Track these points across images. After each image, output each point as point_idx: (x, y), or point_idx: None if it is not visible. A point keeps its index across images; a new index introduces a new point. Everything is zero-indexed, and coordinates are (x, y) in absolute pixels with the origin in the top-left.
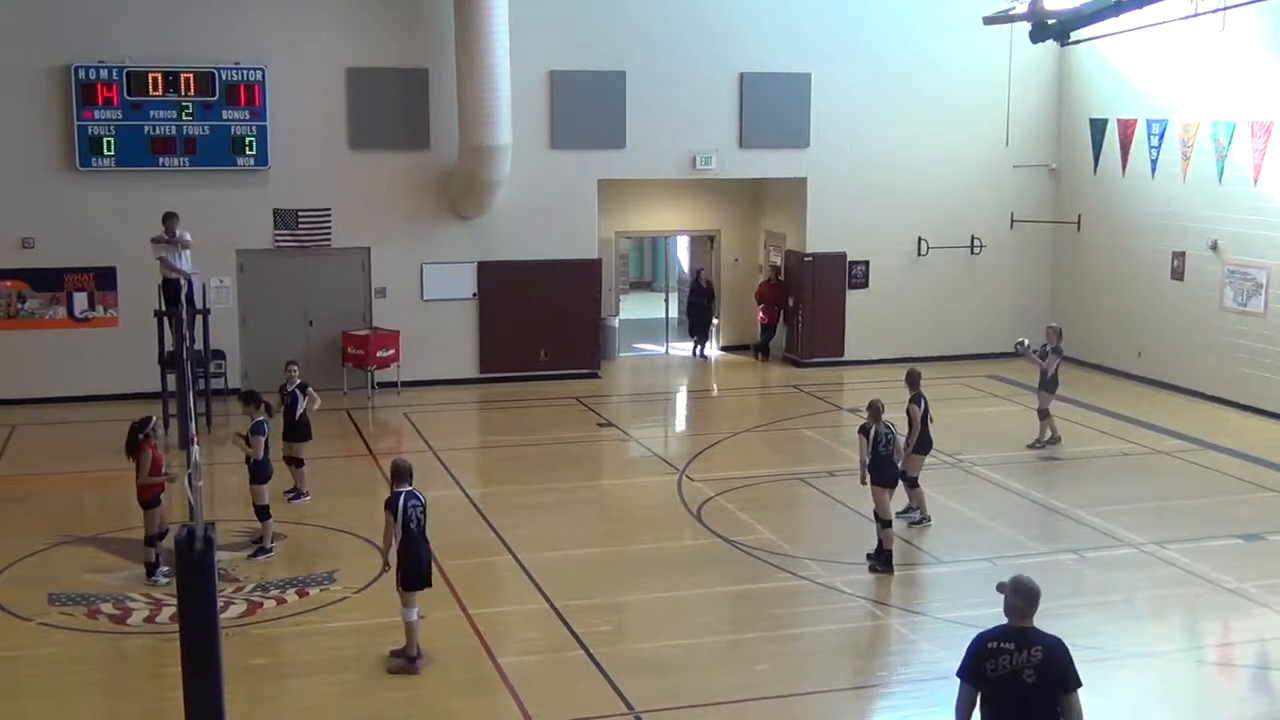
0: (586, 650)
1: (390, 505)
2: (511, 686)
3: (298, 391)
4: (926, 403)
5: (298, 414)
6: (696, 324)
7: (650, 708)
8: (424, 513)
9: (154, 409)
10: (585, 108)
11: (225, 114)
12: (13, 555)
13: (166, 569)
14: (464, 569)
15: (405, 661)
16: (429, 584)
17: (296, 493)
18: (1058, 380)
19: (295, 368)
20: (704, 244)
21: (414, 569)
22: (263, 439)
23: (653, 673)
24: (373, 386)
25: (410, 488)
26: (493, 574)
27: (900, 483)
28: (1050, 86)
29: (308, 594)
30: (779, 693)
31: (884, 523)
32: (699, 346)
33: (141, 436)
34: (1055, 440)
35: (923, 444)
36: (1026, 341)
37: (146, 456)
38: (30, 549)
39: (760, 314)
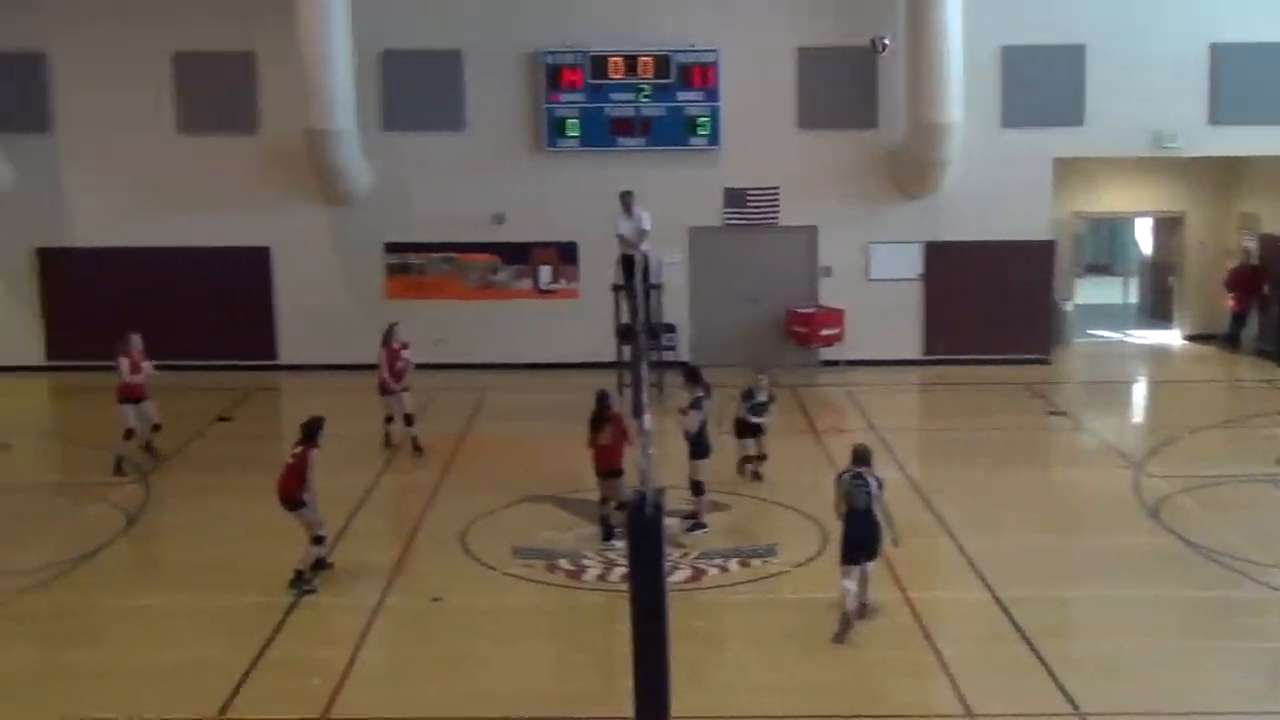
0: (1029, 644)
1: (838, 479)
2: (950, 673)
3: (768, 402)
4: None
5: (763, 421)
6: None
7: (1099, 710)
8: (869, 493)
9: (609, 379)
10: (1040, 83)
11: (680, 95)
12: (482, 510)
13: (619, 531)
14: (904, 551)
15: (842, 625)
16: (864, 559)
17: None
18: None
19: (764, 379)
20: (1167, 227)
21: (845, 541)
22: (700, 415)
23: (1102, 674)
24: (816, 364)
25: (859, 469)
26: (933, 558)
27: None
28: None
29: (749, 565)
30: (1246, 710)
31: None
32: None
33: (607, 406)
34: None
35: None
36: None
37: (607, 431)
38: (497, 505)
39: (1231, 302)
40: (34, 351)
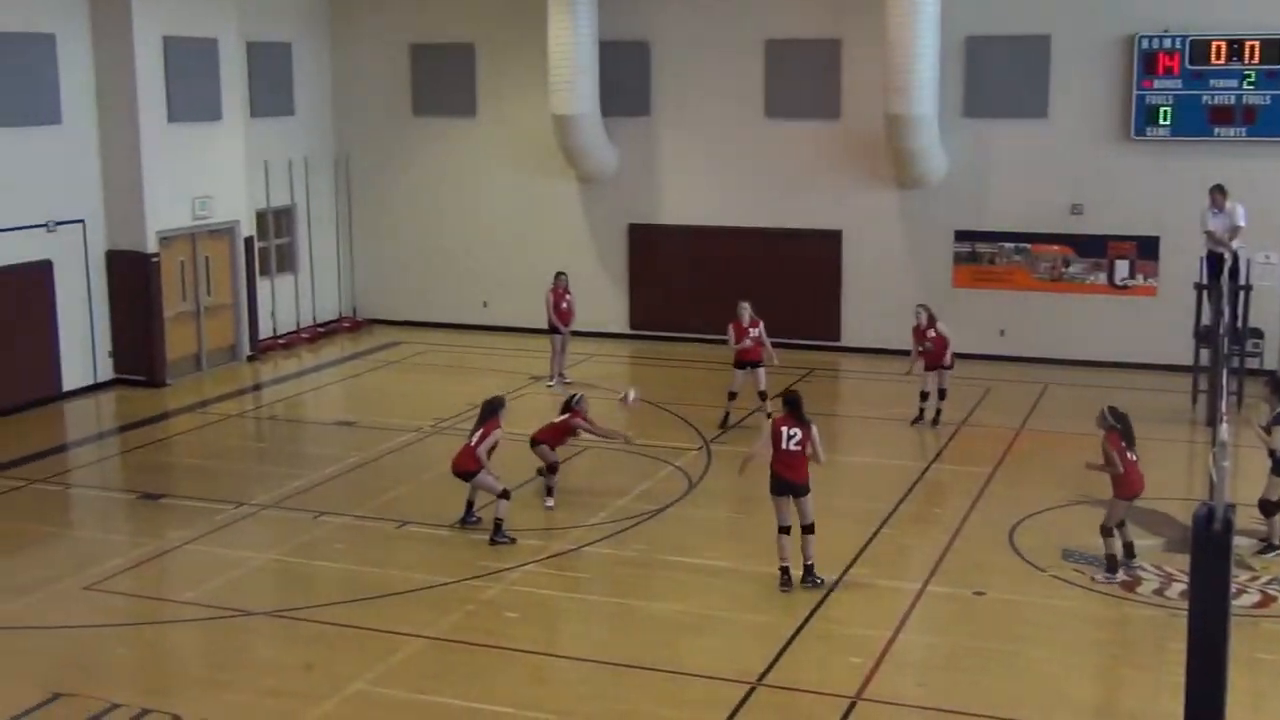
0: None
1: None
2: None
3: None
4: None
5: None
6: None
7: None
8: None
9: (1184, 382)
10: None
11: None
12: (1032, 507)
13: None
14: None
15: None
16: None
17: None
18: None
19: None
20: None
21: None
22: None
23: None
24: None
25: None
26: None
27: None
28: None
29: None
30: None
31: None
32: None
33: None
34: None
35: None
36: None
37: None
38: (1049, 503)
39: None
40: (619, 320)
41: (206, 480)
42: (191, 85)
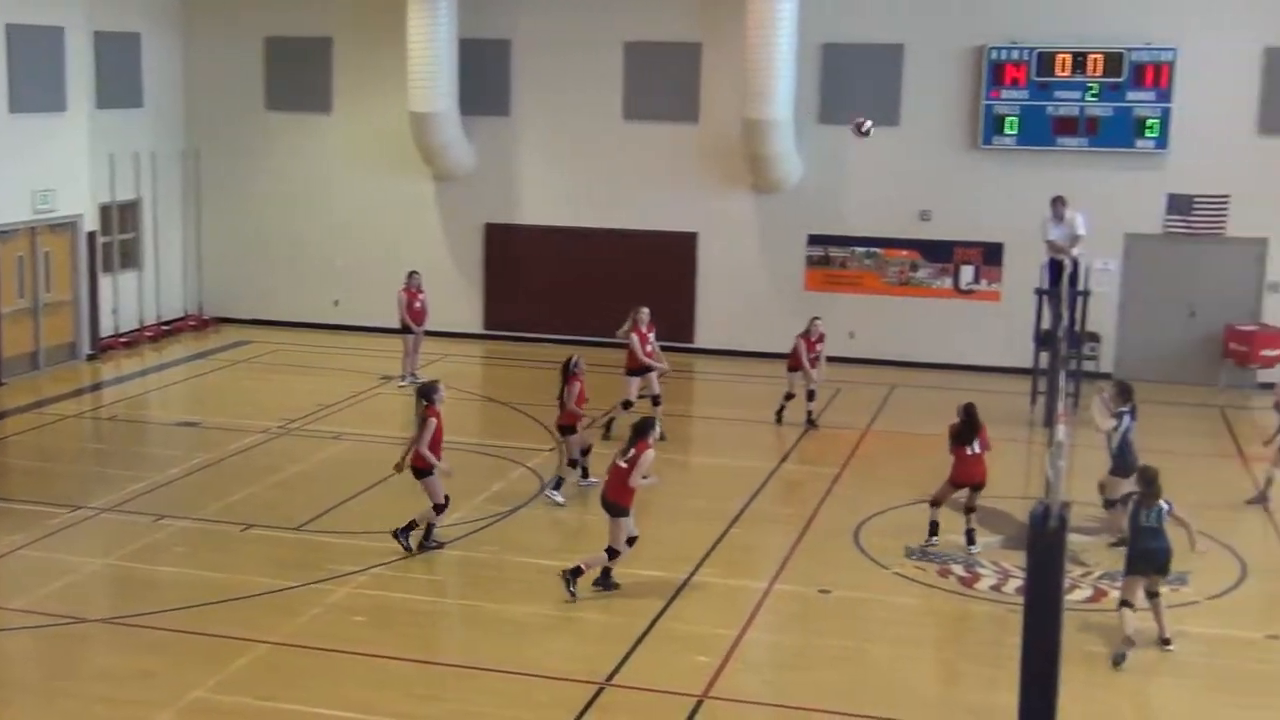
0: None
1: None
2: None
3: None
4: None
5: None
6: None
7: None
8: (1159, 517)
9: (1024, 384)
10: None
11: (1130, 95)
12: (877, 506)
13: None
14: None
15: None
16: (1152, 572)
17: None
18: None
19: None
20: None
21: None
22: (1119, 432)
23: None
24: (1252, 386)
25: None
26: None
27: None
28: None
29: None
30: None
31: None
32: None
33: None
34: None
35: None
36: None
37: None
38: (894, 503)
39: None
40: (474, 320)
41: (41, 483)
42: (35, 75)
